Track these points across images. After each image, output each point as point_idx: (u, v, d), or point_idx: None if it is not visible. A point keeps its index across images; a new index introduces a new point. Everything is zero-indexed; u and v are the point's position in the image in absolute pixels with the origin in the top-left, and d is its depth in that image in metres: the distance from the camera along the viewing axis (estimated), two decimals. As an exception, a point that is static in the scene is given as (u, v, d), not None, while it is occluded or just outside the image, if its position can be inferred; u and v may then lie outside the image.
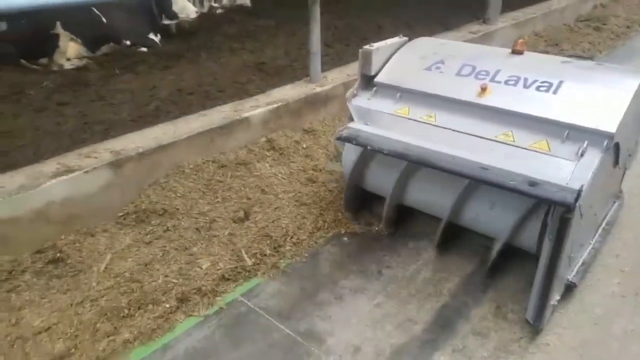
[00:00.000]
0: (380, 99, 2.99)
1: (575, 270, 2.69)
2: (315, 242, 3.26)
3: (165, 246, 3.07)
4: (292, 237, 3.22)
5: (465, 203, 2.78)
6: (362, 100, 3.04)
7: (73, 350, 2.43)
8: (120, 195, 3.32)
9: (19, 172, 3.10)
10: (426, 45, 3.12)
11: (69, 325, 2.53)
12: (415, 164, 2.69)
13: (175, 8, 6.84)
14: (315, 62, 4.67)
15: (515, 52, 2.78)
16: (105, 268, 2.90)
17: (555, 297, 2.54)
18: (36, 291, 2.75)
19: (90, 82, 4.85)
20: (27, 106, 4.24)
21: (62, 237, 3.09)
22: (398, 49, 3.09)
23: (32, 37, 5.56)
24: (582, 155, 2.30)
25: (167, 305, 2.70)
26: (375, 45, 2.99)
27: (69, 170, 3.12)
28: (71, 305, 2.66)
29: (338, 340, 2.57)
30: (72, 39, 5.82)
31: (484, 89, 2.58)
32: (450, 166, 2.45)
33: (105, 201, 3.25)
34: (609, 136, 2.28)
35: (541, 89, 2.49)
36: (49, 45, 5.65)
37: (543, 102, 2.48)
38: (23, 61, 5.43)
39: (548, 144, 2.36)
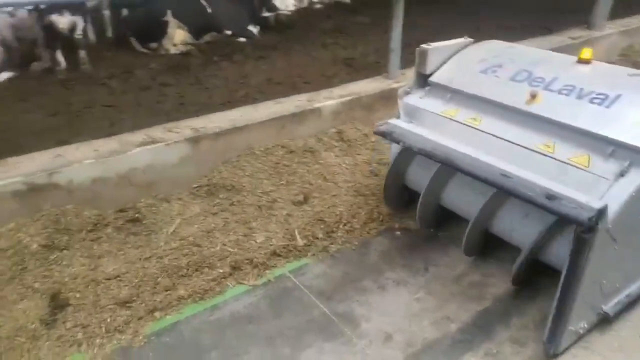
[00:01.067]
0: (431, 99, 2.99)
1: (615, 301, 2.49)
2: (367, 233, 3.35)
3: (227, 218, 3.33)
4: (345, 225, 3.34)
5: (497, 211, 2.72)
6: (414, 99, 3.05)
7: (135, 298, 2.74)
8: (195, 169, 3.64)
9: (113, 139, 3.52)
10: (490, 48, 3.04)
11: (135, 276, 2.86)
12: (441, 164, 2.67)
13: (274, 0, 7.14)
14: (394, 58, 4.72)
15: (582, 61, 2.63)
16: (174, 231, 3.22)
17: (579, 323, 2.39)
18: (114, 244, 3.13)
19: (191, 67, 5.30)
20: (134, 84, 4.75)
21: (142, 200, 3.46)
22: (460, 50, 3.05)
23: (145, 23, 6.18)
24: (622, 175, 2.14)
25: (221, 271, 2.95)
26: (433, 44, 2.98)
27: (153, 142, 3.49)
28: (140, 259, 2.99)
29: (372, 326, 2.66)
30: (179, 27, 6.36)
31: (533, 96, 2.50)
32: (473, 169, 2.41)
33: (182, 172, 3.59)
34: None
35: (595, 101, 2.34)
36: (159, 31, 6.23)
37: (593, 115, 2.34)
38: (137, 45, 6.04)
39: (589, 159, 2.24)
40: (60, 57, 5.12)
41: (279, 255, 3.11)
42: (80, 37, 5.26)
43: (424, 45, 2.99)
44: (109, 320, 2.60)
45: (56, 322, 2.57)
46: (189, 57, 5.74)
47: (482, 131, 2.62)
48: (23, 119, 3.94)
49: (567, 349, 2.43)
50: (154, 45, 6.12)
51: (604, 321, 2.53)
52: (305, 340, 2.57)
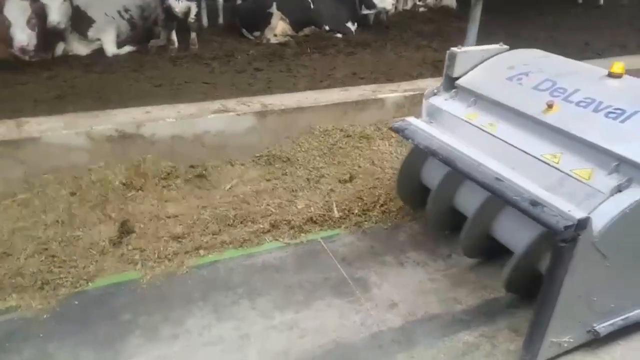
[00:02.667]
0: (456, 101, 3.05)
1: (610, 321, 2.43)
2: (402, 217, 3.57)
3: (277, 184, 3.74)
4: (382, 206, 3.59)
5: (496, 215, 2.77)
6: (439, 100, 3.12)
7: (186, 235, 3.23)
8: (259, 140, 4.09)
9: (193, 105, 4.08)
10: (521, 56, 3.03)
11: (190, 219, 3.35)
12: (441, 162, 2.71)
13: None
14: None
15: (613, 75, 2.56)
16: (230, 188, 3.69)
17: (563, 336, 2.35)
18: (180, 192, 3.66)
19: (285, 56, 5.83)
20: (232, 67, 5.36)
21: (210, 160, 3.98)
22: (492, 56, 3.08)
23: (252, 13, 6.80)
24: (619, 190, 2.11)
25: (261, 226, 3.35)
26: (463, 48, 3.06)
27: (226, 111, 3.99)
28: (198, 207, 3.49)
29: (381, 293, 2.91)
30: (282, 19, 6.90)
31: (550, 106, 2.49)
32: (469, 171, 2.45)
33: (248, 141, 4.06)
34: None
35: (610, 115, 2.30)
36: (264, 21, 6.82)
37: (604, 129, 2.30)
38: (244, 32, 6.66)
39: (591, 172, 2.21)
40: (174, 37, 5.86)
41: (315, 222, 3.44)
42: (193, 21, 5.96)
43: (454, 48, 3.07)
44: (162, 249, 3.10)
45: (121, 244, 3.12)
46: (285, 47, 6.25)
47: (495, 136, 2.66)
48: (131, 86, 4.64)
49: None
50: (257, 34, 6.72)
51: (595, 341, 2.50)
52: (319, 293, 2.89)
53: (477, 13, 4.57)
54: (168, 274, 2.99)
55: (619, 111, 2.29)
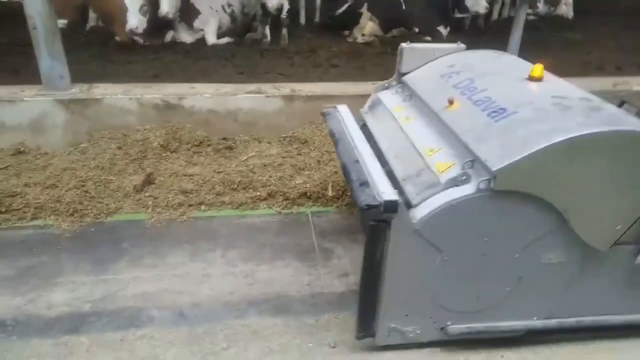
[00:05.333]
0: (396, 95, 3.13)
1: (466, 324, 2.41)
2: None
3: (286, 161, 4.14)
4: (375, 191, 3.82)
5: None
6: (385, 93, 3.21)
7: (194, 192, 3.77)
8: (286, 121, 4.52)
9: (231, 85, 4.62)
10: (468, 56, 3.00)
11: (202, 179, 3.89)
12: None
13: (467, 2, 7.30)
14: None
15: (532, 78, 2.51)
16: (245, 159, 4.17)
17: (406, 325, 2.38)
18: (207, 159, 4.22)
19: (364, 55, 6.12)
20: (311, 61, 5.83)
21: (241, 135, 4.50)
22: (445, 55, 3.08)
23: (345, 12, 7.15)
24: (456, 185, 2.11)
25: (259, 194, 3.78)
26: (413, 44, 3.11)
27: (258, 92, 4.47)
28: (214, 171, 4.02)
29: (339, 264, 3.18)
30: (371, 19, 7.22)
31: (451, 103, 2.51)
32: (341, 153, 2.53)
33: (275, 122, 4.50)
34: (492, 175, 2.01)
35: (492, 114, 2.26)
36: (353, 21, 7.19)
37: (478, 128, 2.27)
38: (337, 30, 7.04)
39: (449, 167, 2.21)
40: (267, 31, 6.50)
41: (309, 198, 3.79)
42: (285, 17, 6.50)
43: (403, 44, 3.15)
44: (170, 199, 3.68)
45: (141, 191, 3.76)
46: (368, 46, 6.55)
47: (402, 129, 2.70)
48: (218, 71, 5.29)
49: (395, 347, 2.49)
50: (346, 32, 7.10)
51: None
52: (284, 254, 3.25)
53: (521, 16, 4.51)
54: (170, 220, 3.55)
55: (500, 111, 2.26)
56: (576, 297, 2.36)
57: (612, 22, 7.94)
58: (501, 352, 2.56)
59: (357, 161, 2.42)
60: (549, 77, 2.63)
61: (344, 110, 3.05)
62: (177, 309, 2.79)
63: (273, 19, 6.52)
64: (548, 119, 2.10)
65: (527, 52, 6.37)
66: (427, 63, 3.11)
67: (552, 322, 2.41)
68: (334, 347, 2.56)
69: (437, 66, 3.01)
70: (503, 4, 8.31)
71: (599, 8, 8.52)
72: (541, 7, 8.35)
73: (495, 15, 8.13)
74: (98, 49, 5.88)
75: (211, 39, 6.37)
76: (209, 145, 4.36)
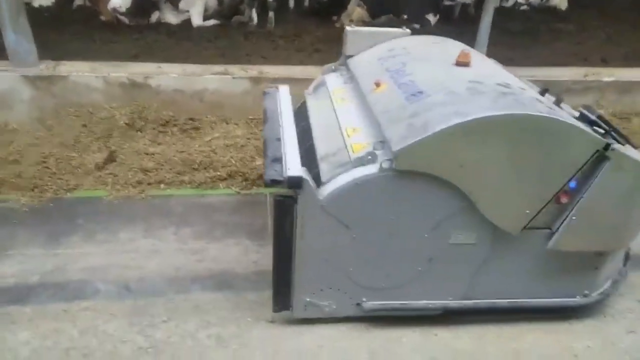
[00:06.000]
0: (339, 78, 3.15)
1: (380, 301, 2.47)
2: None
3: (250, 142, 4.18)
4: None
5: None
6: (331, 75, 3.23)
7: (154, 170, 3.82)
8: (253, 103, 4.54)
9: (199, 66, 4.65)
10: (409, 41, 3.03)
11: (164, 158, 3.94)
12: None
13: None
14: (479, 51, 4.81)
15: (459, 63, 2.54)
16: (209, 140, 4.21)
17: (322, 300, 2.43)
18: (173, 138, 4.26)
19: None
20: (295, 46, 5.79)
21: (208, 116, 4.53)
22: (390, 39, 3.11)
23: None
24: (362, 164, 2.15)
25: (219, 174, 3.83)
26: (356, 28, 3.13)
27: (225, 73, 4.50)
28: (177, 151, 4.06)
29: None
30: (359, 5, 7.16)
31: (377, 85, 2.54)
32: (267, 129, 2.56)
33: (242, 103, 4.53)
34: (395, 155, 2.05)
35: (410, 97, 2.29)
36: (342, 6, 7.16)
37: (393, 110, 2.29)
38: (326, 16, 6.92)
39: (363, 147, 2.25)
40: (254, 14, 6.46)
41: (268, 179, 3.84)
42: (272, 1, 6.42)
43: (347, 27, 3.17)
44: (129, 177, 3.73)
45: (102, 169, 3.81)
46: None
47: (334, 109, 2.74)
48: (199, 52, 5.25)
49: (330, 322, 2.56)
50: (334, 18, 7.05)
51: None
52: (236, 233, 3.31)
53: (490, 3, 4.52)
54: (128, 197, 3.61)
55: (418, 94, 2.29)
56: (490, 279, 2.42)
57: (605, 14, 7.92)
58: (435, 331, 2.63)
59: (279, 139, 2.45)
60: (479, 63, 2.65)
61: (284, 90, 3.09)
62: (122, 282, 2.86)
63: (260, 2, 6.50)
64: (455, 102, 2.14)
65: (516, 41, 6.47)
66: (370, 48, 3.13)
67: (468, 303, 2.48)
68: (271, 321, 2.64)
69: (379, 50, 3.04)
70: (494, -7, 8.26)
71: (593, 0, 8.48)
72: None
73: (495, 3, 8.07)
74: (82, 28, 5.88)
75: (197, 20, 6.35)
76: (175, 125, 4.40)
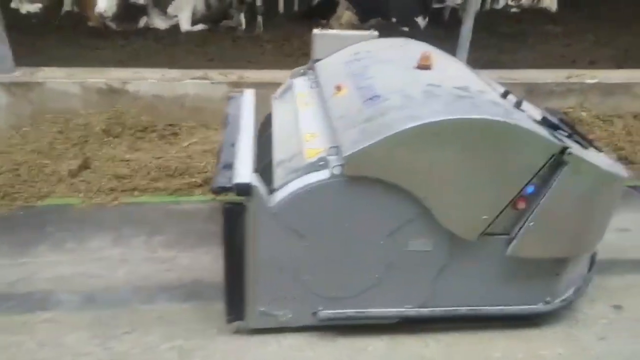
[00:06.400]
0: (307, 82, 3.08)
1: (336, 310, 2.38)
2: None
3: (227, 148, 4.12)
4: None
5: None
6: (299, 79, 3.16)
7: (129, 177, 3.76)
8: (233, 108, 4.48)
9: (179, 71, 4.59)
10: (375, 44, 2.98)
11: (139, 165, 3.87)
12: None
13: None
14: (461, 54, 4.78)
15: (420, 66, 2.47)
16: (187, 145, 4.15)
17: (278, 310, 2.36)
18: (152, 144, 4.21)
19: None
20: (283, 50, 5.78)
21: (188, 121, 4.47)
22: (358, 42, 3.05)
23: (323, 1, 7.12)
24: (315, 170, 2.07)
25: (195, 180, 3.77)
26: (324, 31, 3.08)
27: (204, 78, 4.44)
28: (153, 157, 4.00)
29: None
30: (348, 8, 7.13)
31: (338, 89, 2.49)
32: (225, 135, 2.52)
33: (222, 108, 4.42)
34: (344, 161, 1.98)
35: (367, 102, 2.22)
36: (330, 10, 7.13)
37: (349, 115, 2.22)
38: (316, 20, 6.84)
39: (318, 153, 2.16)
40: (242, 19, 6.44)
41: (244, 185, 3.77)
42: (260, 5, 6.42)
43: (315, 30, 3.11)
44: (103, 184, 3.67)
45: (76, 176, 3.74)
46: None
47: (297, 114, 2.67)
48: (186, 58, 5.24)
49: (295, 331, 2.49)
50: (323, 22, 6.98)
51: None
52: (207, 241, 3.23)
53: (471, 8, 4.47)
54: (100, 205, 3.55)
55: (375, 98, 2.22)
56: (449, 286, 2.34)
57: (595, 16, 7.89)
58: (402, 339, 2.56)
59: (233, 144, 2.39)
60: (442, 66, 2.58)
61: (249, 95, 3.03)
62: (87, 293, 2.79)
63: (249, 6, 6.47)
64: (410, 106, 2.07)
65: (504, 43, 6.42)
66: (338, 51, 3.07)
67: (425, 311, 2.40)
68: (237, 332, 2.56)
69: (345, 54, 2.97)
70: (486, -4, 8.20)
71: (583, 2, 8.45)
72: None
73: (477, 7, 8.01)
74: (70, 34, 5.87)
75: (185, 25, 6.32)
76: (153, 131, 4.34)
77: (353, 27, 6.71)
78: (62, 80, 4.25)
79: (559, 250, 2.27)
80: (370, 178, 2.01)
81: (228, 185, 2.03)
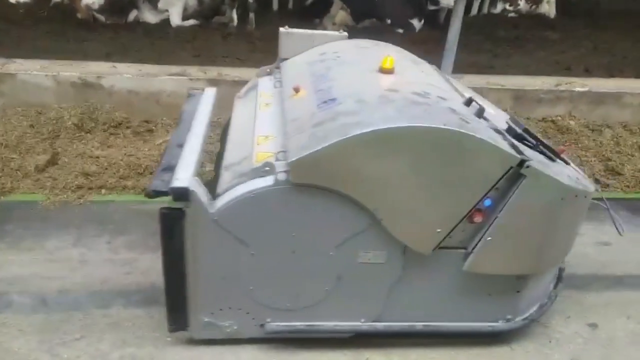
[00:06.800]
0: (271, 82, 2.98)
1: (285, 322, 2.27)
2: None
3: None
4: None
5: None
6: (264, 79, 3.05)
7: (97, 175, 3.65)
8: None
9: (157, 67, 4.48)
10: (343, 45, 2.88)
11: (108, 162, 3.76)
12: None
13: None
14: (448, 58, 4.67)
15: (382, 70, 2.36)
16: (160, 143, 4.04)
17: (221, 319, 2.25)
18: (125, 141, 4.09)
19: None
20: (274, 48, 5.49)
21: (164, 118, 4.36)
22: (326, 42, 2.96)
23: (317, 0, 6.97)
24: (261, 176, 1.98)
25: (165, 180, 3.65)
26: (290, 30, 2.97)
27: (181, 75, 4.34)
28: (125, 154, 3.89)
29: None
30: (342, 8, 7.02)
31: (296, 91, 2.38)
32: (174, 134, 2.43)
33: (200, 106, 4.35)
34: (289, 167, 1.90)
35: (321, 105, 2.11)
36: (324, 9, 7.02)
37: (303, 118, 2.12)
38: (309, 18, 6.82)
39: (269, 156, 2.07)
40: (234, 15, 6.32)
41: (216, 185, 3.66)
42: (252, 2, 6.32)
43: (281, 29, 3.01)
44: (69, 181, 3.55)
45: (43, 172, 3.63)
46: None
47: (255, 114, 2.56)
48: (173, 53, 5.13)
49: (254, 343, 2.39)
50: (317, 21, 6.91)
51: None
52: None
53: (459, 9, 4.37)
54: (65, 202, 3.43)
55: (330, 101, 2.11)
56: (405, 301, 2.23)
57: (593, 23, 7.79)
58: (367, 354, 2.45)
59: (181, 145, 2.27)
60: (407, 69, 2.48)
61: (209, 93, 2.91)
62: (40, 295, 2.68)
63: (242, 2, 6.36)
64: (361, 112, 1.96)
65: (498, 49, 6.31)
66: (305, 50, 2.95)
67: (380, 326, 2.29)
68: (191, 342, 2.45)
69: (311, 54, 2.86)
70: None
71: (582, 9, 8.37)
72: (522, 4, 8.12)
73: (474, 11, 7.88)
74: (58, 26, 5.75)
75: (176, 20, 6.20)
76: (128, 127, 4.23)
77: (347, 27, 6.61)
78: (35, 73, 4.14)
79: (519, 266, 2.16)
80: (316, 186, 1.90)
81: (163, 189, 1.92)
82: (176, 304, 2.22)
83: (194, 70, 4.46)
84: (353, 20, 6.93)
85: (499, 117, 2.29)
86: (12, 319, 2.52)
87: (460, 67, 5.16)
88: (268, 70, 3.12)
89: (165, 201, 2.56)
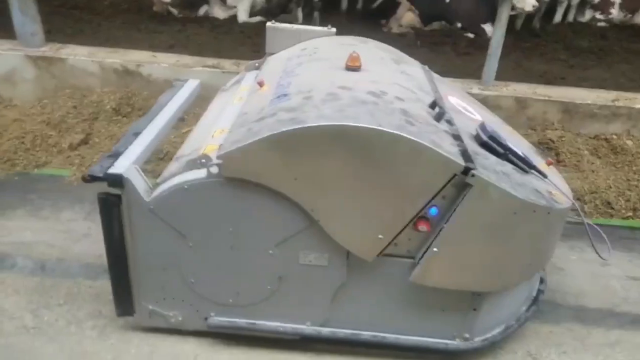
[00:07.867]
0: (255, 76, 2.88)
1: (228, 318, 2.24)
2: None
3: (223, 137, 4.11)
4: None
5: None
6: (251, 73, 3.02)
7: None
8: (241, 99, 4.48)
9: (194, 58, 4.65)
10: (326, 41, 2.80)
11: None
12: None
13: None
14: (491, 63, 4.45)
15: (348, 67, 2.28)
16: (185, 132, 4.19)
17: (166, 309, 2.24)
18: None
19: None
20: None
21: (197, 109, 4.50)
22: (314, 38, 2.90)
23: (385, 1, 6.97)
24: (196, 168, 1.96)
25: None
26: (276, 25, 2.90)
27: (216, 67, 4.48)
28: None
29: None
30: (410, 9, 6.92)
31: (260, 85, 2.34)
32: (136, 123, 2.49)
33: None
34: (220, 161, 1.88)
35: (274, 99, 2.08)
36: (391, 10, 6.98)
37: (252, 110, 2.09)
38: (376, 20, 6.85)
39: (215, 149, 2.04)
40: (299, 13, 6.46)
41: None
42: (317, 1, 6.38)
43: (268, 23, 2.95)
44: (95, 160, 3.78)
45: (75, 150, 3.90)
46: (401, 37, 6.23)
47: (225, 108, 2.55)
48: (234, 48, 5.34)
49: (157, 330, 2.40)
50: (382, 22, 6.89)
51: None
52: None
53: (503, 13, 4.15)
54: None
55: (282, 97, 2.06)
56: (350, 307, 2.14)
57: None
58: (329, 358, 2.39)
59: (137, 134, 2.33)
60: (377, 68, 2.37)
61: (190, 84, 2.97)
62: (41, 260, 2.89)
63: (308, 2, 6.45)
64: (302, 108, 1.90)
65: (576, 58, 5.81)
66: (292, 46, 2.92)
67: (326, 331, 2.20)
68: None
69: (293, 50, 2.82)
70: (569, 6, 7.39)
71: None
72: (615, 12, 7.35)
73: (558, 18, 7.30)
74: (134, 17, 6.15)
75: (243, 16, 6.40)
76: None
77: (413, 29, 6.48)
78: (82, 59, 4.45)
79: (469, 282, 2.00)
80: (249, 181, 1.88)
81: (99, 174, 1.99)
82: (121, 289, 2.27)
83: (228, 64, 4.58)
84: (421, 22, 6.76)
85: (469, 124, 2.14)
86: (10, 279, 2.74)
87: (529, 77, 4.88)
88: (257, 64, 3.12)
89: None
